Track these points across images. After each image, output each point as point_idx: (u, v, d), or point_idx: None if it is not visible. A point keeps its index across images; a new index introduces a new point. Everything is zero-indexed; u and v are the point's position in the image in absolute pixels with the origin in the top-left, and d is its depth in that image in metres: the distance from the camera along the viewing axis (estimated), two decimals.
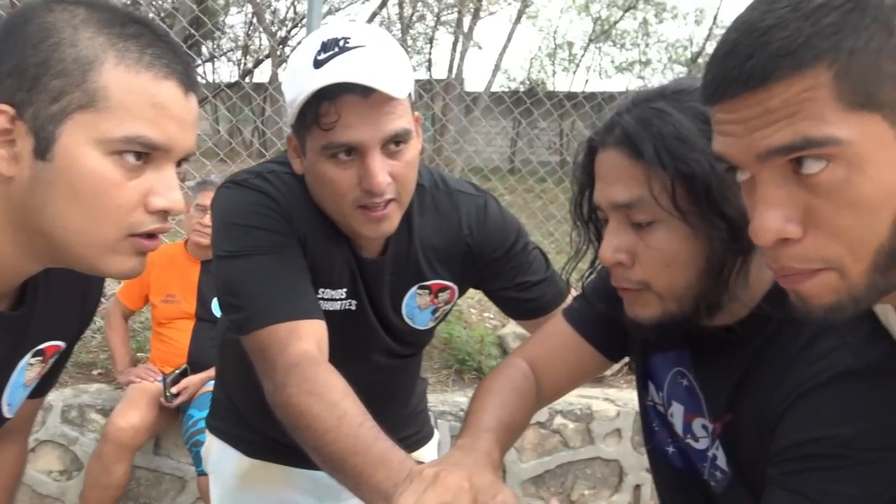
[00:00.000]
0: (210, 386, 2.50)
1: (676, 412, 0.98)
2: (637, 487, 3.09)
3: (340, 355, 1.05)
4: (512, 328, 3.56)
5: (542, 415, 2.98)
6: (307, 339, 1.04)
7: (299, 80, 1.04)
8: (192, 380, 2.61)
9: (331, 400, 0.94)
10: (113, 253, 0.78)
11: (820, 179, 0.59)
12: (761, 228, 0.62)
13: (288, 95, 1.07)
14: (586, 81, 15.17)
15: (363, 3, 12.89)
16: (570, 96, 6.23)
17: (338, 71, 1.00)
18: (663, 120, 0.82)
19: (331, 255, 1.19)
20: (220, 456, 1.46)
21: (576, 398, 3.10)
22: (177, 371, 2.62)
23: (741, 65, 0.60)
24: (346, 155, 1.04)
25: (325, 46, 1.02)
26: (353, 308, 1.24)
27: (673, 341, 0.96)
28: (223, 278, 1.12)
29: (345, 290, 1.22)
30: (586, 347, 1.07)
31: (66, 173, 0.73)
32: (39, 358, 0.94)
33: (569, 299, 1.34)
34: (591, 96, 6.44)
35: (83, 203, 0.74)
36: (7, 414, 0.94)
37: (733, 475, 0.90)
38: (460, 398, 3.05)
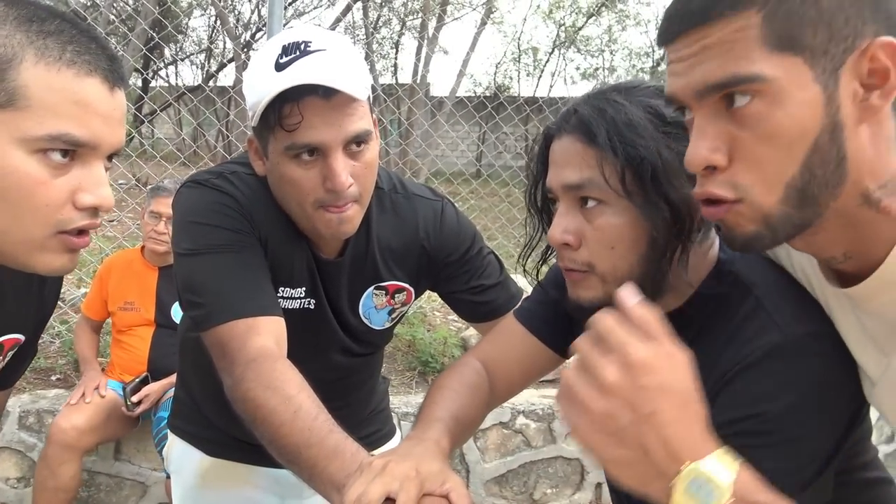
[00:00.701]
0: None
1: None
2: (598, 485, 3.14)
3: (299, 353, 1.07)
4: (475, 330, 3.59)
5: (504, 415, 3.01)
6: (266, 334, 1.06)
7: (261, 82, 1.05)
8: (153, 387, 2.58)
9: (287, 394, 0.96)
10: (42, 250, 0.78)
11: (745, 112, 0.67)
12: (691, 156, 0.71)
13: (250, 98, 1.09)
14: (551, 87, 15.32)
15: (327, 7, 12.87)
16: (532, 101, 6.31)
17: (300, 73, 1.02)
18: (616, 109, 0.87)
19: (291, 255, 1.21)
20: (181, 455, 1.47)
21: (538, 398, 3.14)
22: (137, 379, 2.59)
23: (686, 4, 0.69)
24: (308, 155, 1.07)
25: (286, 50, 1.05)
26: (312, 307, 1.26)
27: None
28: (184, 276, 1.14)
29: (304, 289, 1.24)
30: (536, 344, 1.10)
31: None
32: None
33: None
34: (552, 101, 6.52)
35: (8, 202, 0.74)
36: None
37: None
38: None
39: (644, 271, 0.88)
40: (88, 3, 10.28)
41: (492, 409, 1.11)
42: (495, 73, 15.19)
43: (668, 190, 0.84)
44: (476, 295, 1.35)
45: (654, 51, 14.99)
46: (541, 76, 15.20)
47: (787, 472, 0.78)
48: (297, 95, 1.02)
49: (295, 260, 1.22)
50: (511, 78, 15.30)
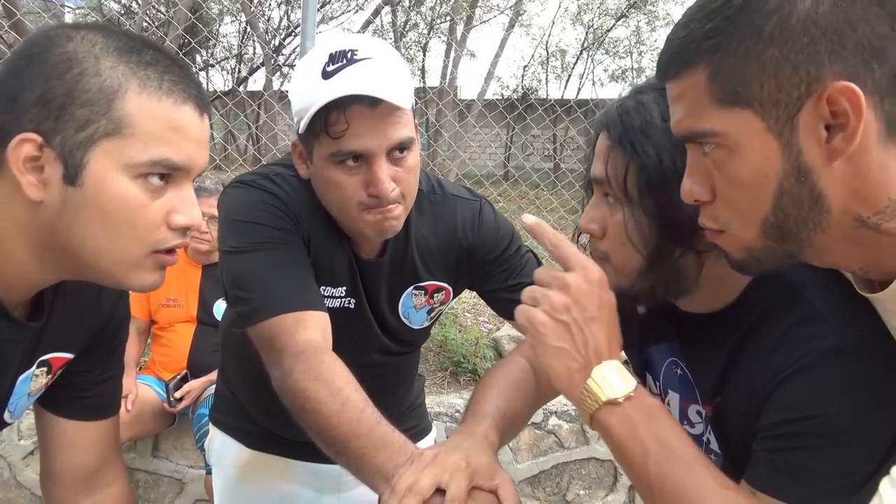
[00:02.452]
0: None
1: (673, 401, 1.02)
2: (632, 487, 3.13)
3: (339, 351, 1.09)
4: (507, 331, 3.60)
5: (536, 416, 3.01)
6: (313, 328, 1.08)
7: (308, 90, 1.08)
8: (194, 384, 2.63)
9: (335, 386, 0.98)
10: (138, 269, 0.82)
11: (712, 158, 0.73)
12: (682, 190, 0.79)
13: (296, 104, 1.11)
14: (579, 89, 15.24)
15: (356, 12, 12.95)
16: (562, 103, 6.30)
17: (347, 83, 1.05)
18: (637, 112, 0.89)
19: (332, 255, 1.23)
20: (222, 447, 1.50)
21: None
22: (178, 376, 2.64)
23: (661, 56, 0.74)
24: (353, 161, 1.10)
25: (332, 58, 1.07)
26: (352, 306, 1.28)
27: (666, 332, 1.01)
28: (231, 272, 1.16)
29: (344, 288, 1.27)
30: None
31: (96, 197, 0.77)
32: (45, 368, 0.97)
33: None
34: (581, 102, 6.50)
35: (112, 224, 0.79)
36: (8, 420, 0.97)
37: (724, 456, 0.94)
38: (456, 400, 3.08)
39: (654, 270, 0.90)
40: (123, 12, 10.48)
41: (539, 407, 1.12)
42: (523, 76, 15.17)
43: (661, 200, 0.86)
44: (515, 293, 1.33)
45: None
46: (569, 79, 15.11)
47: (843, 475, 0.78)
48: (344, 104, 1.05)
49: (336, 259, 1.24)
50: (539, 80, 15.24)
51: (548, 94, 14.39)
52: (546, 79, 15.33)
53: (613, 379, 0.80)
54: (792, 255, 0.75)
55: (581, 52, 14.90)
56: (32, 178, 0.77)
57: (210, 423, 1.56)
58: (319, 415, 0.96)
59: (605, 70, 15.88)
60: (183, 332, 2.76)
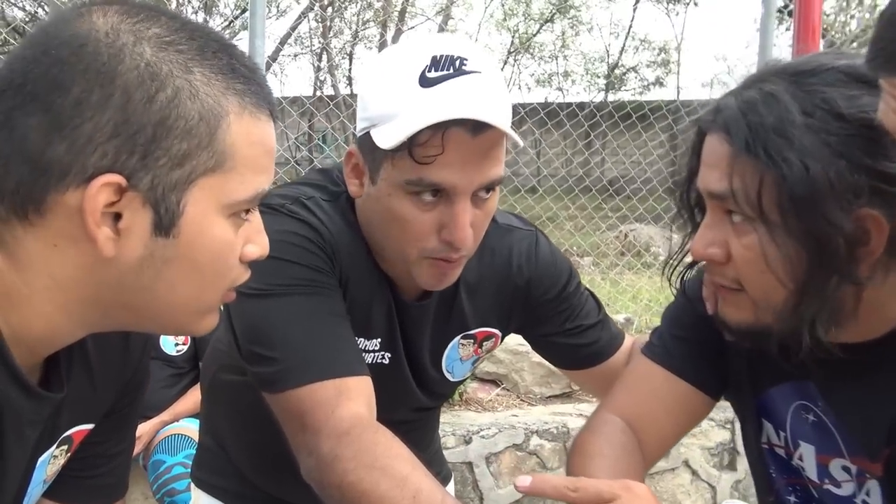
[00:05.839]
0: (172, 429, 2.33)
1: (806, 453, 0.86)
2: None
3: None
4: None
5: (517, 436, 2.86)
6: (357, 399, 0.88)
7: (400, 95, 0.88)
8: (143, 428, 2.35)
9: (399, 474, 0.79)
10: (210, 313, 0.69)
11: None
12: None
13: (375, 108, 0.91)
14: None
15: (277, 18, 12.60)
16: None
17: (456, 98, 0.85)
18: (768, 107, 0.72)
19: (370, 299, 1.03)
20: None
21: (550, 416, 3.00)
22: None
23: (884, 41, 0.55)
24: (431, 196, 0.90)
25: (436, 63, 0.87)
26: (386, 362, 1.08)
27: (790, 370, 0.84)
28: (249, 322, 0.94)
29: (379, 340, 1.06)
30: (684, 387, 0.93)
31: (192, 248, 0.62)
32: (66, 447, 0.75)
33: (628, 342, 1.21)
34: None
35: (202, 275, 0.64)
36: None
37: None
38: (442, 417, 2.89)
39: (806, 303, 0.73)
40: (28, 19, 9.84)
41: (645, 474, 0.93)
42: None
43: (812, 221, 0.69)
44: (574, 337, 1.17)
45: (608, 54, 15.13)
46: None
47: None
48: (444, 124, 0.84)
49: (374, 305, 1.03)
50: None
51: None
52: None
53: None
54: None
55: (507, 57, 14.98)
56: (108, 229, 0.59)
57: (192, 485, 1.33)
58: None
59: (532, 75, 15.99)
60: None
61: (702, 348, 0.92)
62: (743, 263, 0.75)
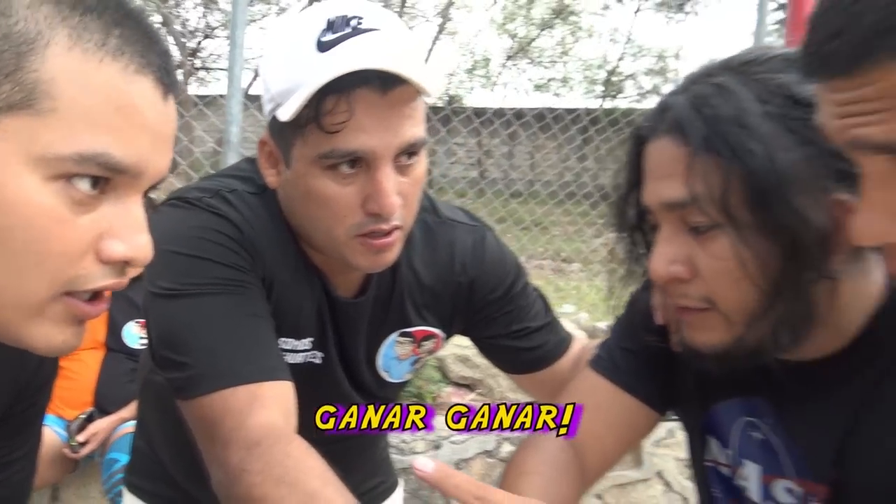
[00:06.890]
0: (130, 426, 2.22)
1: (751, 473, 0.80)
2: None
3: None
4: (451, 350, 3.36)
5: (488, 443, 2.81)
6: (272, 407, 0.82)
7: (297, 66, 0.82)
8: (101, 424, 2.28)
9: (308, 489, 0.73)
10: (39, 318, 0.55)
11: None
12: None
13: (274, 86, 0.85)
14: (504, 97, 15.31)
15: (277, 14, 12.55)
16: (480, 112, 6.21)
17: (354, 56, 0.79)
18: (723, 98, 0.67)
19: (299, 298, 0.97)
20: None
21: None
22: (82, 416, 2.29)
23: (823, 45, 0.50)
24: (349, 167, 0.84)
25: (332, 25, 0.82)
26: (318, 361, 1.03)
27: (741, 384, 0.79)
28: (160, 324, 0.89)
29: (310, 339, 1.01)
30: (630, 401, 0.88)
31: None
32: None
33: (576, 346, 1.16)
34: (500, 112, 6.45)
35: (9, 248, 0.52)
36: None
37: None
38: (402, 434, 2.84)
39: (783, 308, 0.68)
40: None
41: (584, 494, 0.87)
42: (448, 84, 15.06)
43: (781, 214, 0.64)
44: (520, 340, 1.12)
45: (605, 61, 15.09)
46: (493, 87, 15.13)
47: None
48: (347, 86, 0.79)
49: (304, 303, 0.98)
50: (472, 89, 15.20)
51: (472, 103, 14.38)
52: (471, 87, 15.37)
53: None
54: None
55: (506, 61, 14.96)
56: None
57: (124, 488, 1.28)
58: None
59: (530, 80, 15.96)
60: (88, 360, 2.39)
61: (650, 362, 0.87)
62: (712, 276, 0.69)
